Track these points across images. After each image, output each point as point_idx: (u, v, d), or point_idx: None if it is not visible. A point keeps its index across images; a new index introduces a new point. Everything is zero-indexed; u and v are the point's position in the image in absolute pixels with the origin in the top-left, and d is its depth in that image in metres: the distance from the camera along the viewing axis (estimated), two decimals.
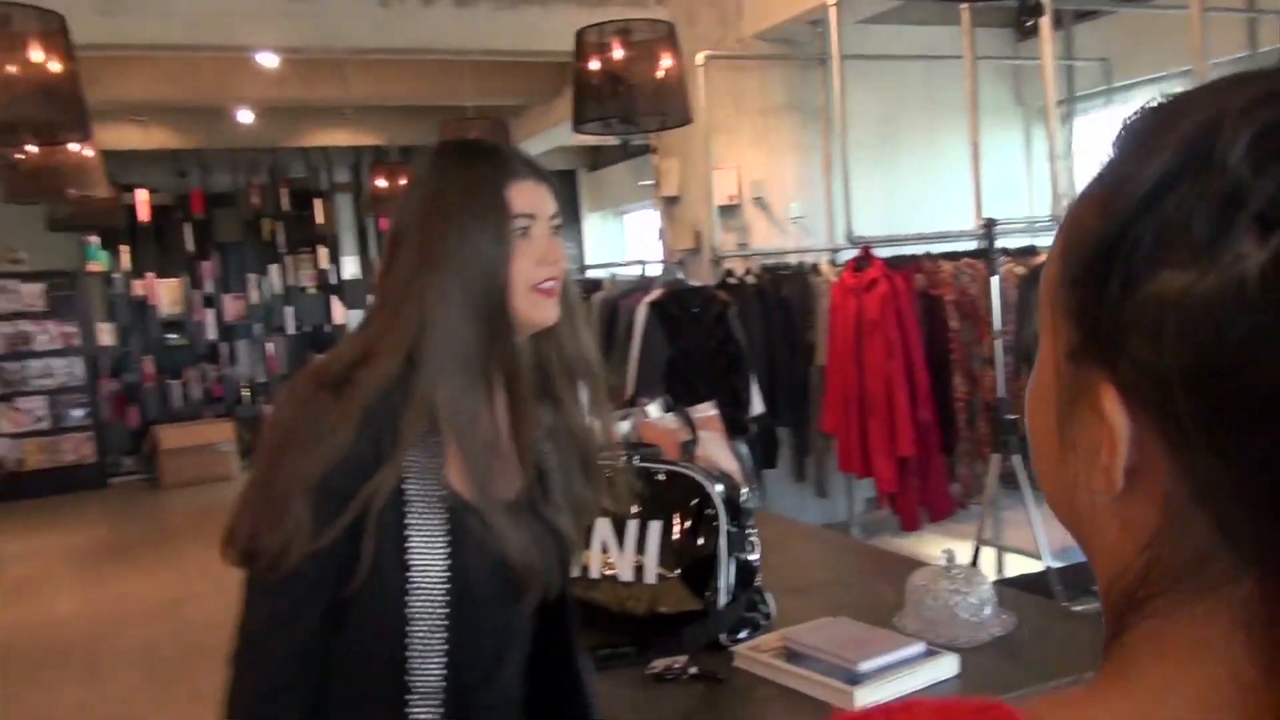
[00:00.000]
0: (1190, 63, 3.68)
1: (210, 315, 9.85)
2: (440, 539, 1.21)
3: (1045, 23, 3.83)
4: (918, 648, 1.65)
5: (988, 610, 1.75)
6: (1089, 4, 6.16)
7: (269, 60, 6.71)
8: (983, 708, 0.44)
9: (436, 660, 1.22)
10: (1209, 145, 0.39)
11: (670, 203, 6.00)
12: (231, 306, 9.97)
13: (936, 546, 1.98)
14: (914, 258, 4.93)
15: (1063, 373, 0.45)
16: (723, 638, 1.84)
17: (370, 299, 1.32)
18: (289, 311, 10.15)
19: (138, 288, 9.56)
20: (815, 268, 5.28)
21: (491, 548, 1.24)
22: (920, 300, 4.67)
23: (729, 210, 5.64)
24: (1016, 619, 1.78)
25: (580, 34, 3.97)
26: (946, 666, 1.64)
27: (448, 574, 1.21)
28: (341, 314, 10.19)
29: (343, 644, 1.23)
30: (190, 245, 9.76)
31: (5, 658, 4.99)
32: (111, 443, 9.37)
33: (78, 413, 9.05)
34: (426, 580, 1.21)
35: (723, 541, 1.89)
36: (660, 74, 4.00)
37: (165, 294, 9.71)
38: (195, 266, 9.81)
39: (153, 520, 8.14)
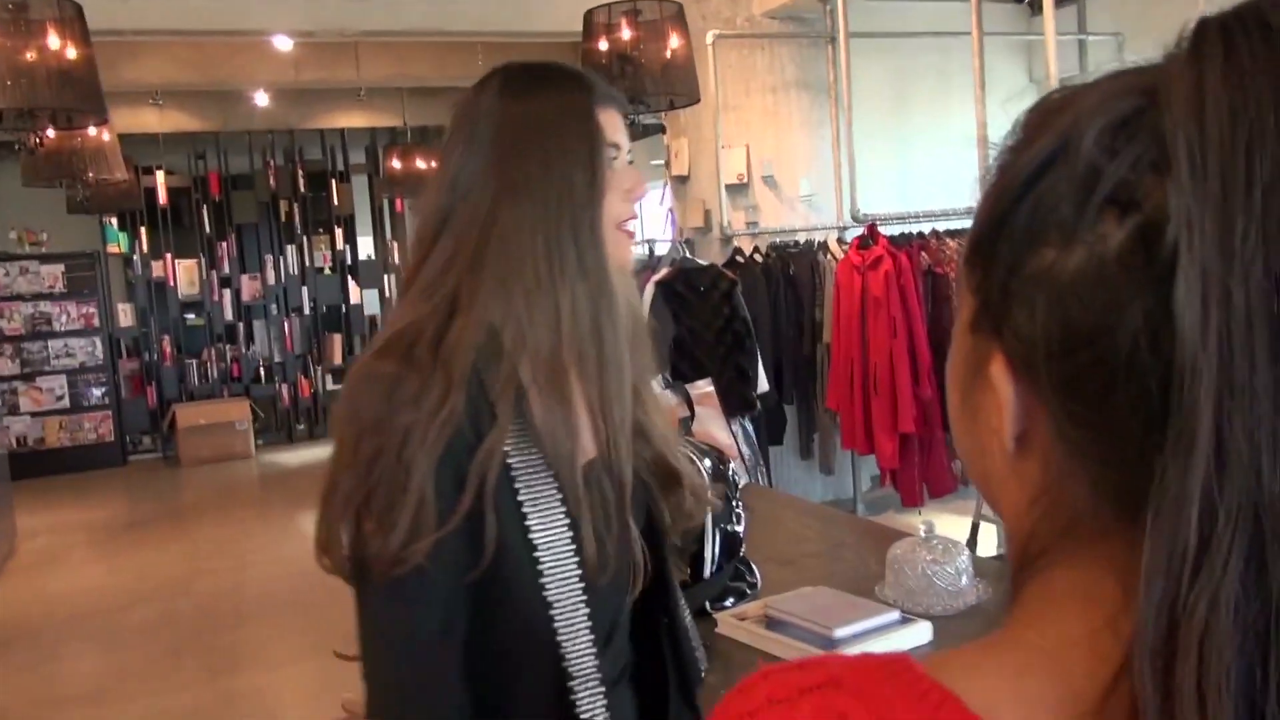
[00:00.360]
0: None
1: (228, 296, 9.93)
2: (558, 510, 1.09)
3: None
4: (892, 615, 1.69)
5: (964, 580, 1.79)
6: None
7: (283, 44, 6.77)
8: (889, 660, 0.48)
9: (585, 639, 1.10)
10: (1075, 133, 0.43)
11: (680, 182, 6.02)
12: (248, 287, 10.05)
13: (937, 522, 2.02)
14: (921, 235, 4.95)
15: (966, 343, 0.49)
16: (708, 605, 1.89)
17: (400, 275, 1.18)
18: (305, 292, 10.23)
19: (156, 269, 9.63)
20: (824, 246, 5.30)
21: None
22: (925, 278, 4.69)
23: (738, 189, 5.66)
24: (992, 589, 1.82)
25: (589, 14, 3.99)
26: (920, 633, 1.68)
27: (573, 546, 1.10)
28: (357, 294, 10.27)
29: (497, 651, 1.10)
30: (208, 227, 9.84)
31: (24, 630, 5.09)
32: (131, 421, 9.50)
33: (97, 392, 9.18)
34: (554, 557, 1.09)
35: (709, 513, 1.93)
36: (668, 54, 4.02)
37: (183, 275, 9.80)
38: (213, 248, 9.88)
39: (170, 497, 8.27)
